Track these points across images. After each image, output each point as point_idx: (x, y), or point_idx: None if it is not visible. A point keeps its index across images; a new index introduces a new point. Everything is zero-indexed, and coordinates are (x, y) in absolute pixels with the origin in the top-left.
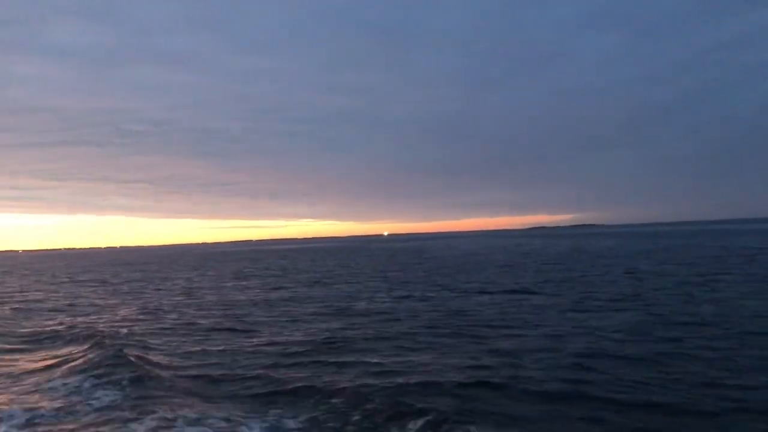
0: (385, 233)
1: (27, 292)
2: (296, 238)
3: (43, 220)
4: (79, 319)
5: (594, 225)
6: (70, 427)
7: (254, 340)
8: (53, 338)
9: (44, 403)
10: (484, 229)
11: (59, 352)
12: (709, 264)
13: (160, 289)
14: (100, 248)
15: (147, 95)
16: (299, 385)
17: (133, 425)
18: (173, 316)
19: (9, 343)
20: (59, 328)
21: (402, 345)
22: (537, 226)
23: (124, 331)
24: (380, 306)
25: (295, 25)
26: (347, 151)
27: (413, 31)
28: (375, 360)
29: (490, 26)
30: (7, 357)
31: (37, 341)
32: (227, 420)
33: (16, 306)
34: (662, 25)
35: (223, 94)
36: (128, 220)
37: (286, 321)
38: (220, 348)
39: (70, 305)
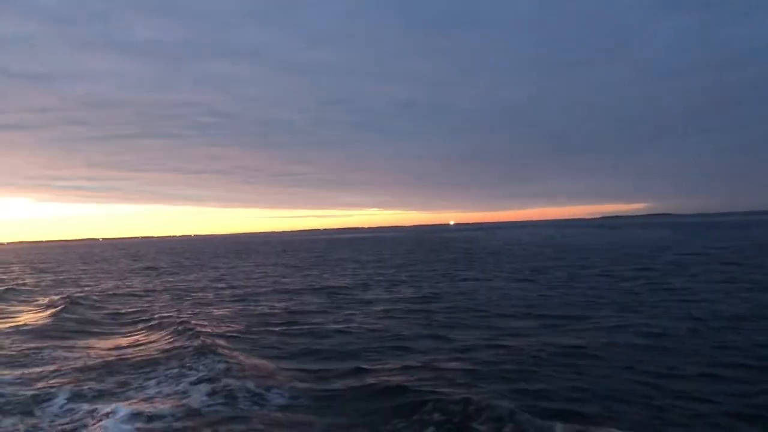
0: (451, 222)
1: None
2: (362, 227)
3: (119, 210)
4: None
5: (669, 214)
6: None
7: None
8: (155, 326)
9: (145, 395)
10: (554, 218)
11: (159, 340)
12: None
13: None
14: (174, 237)
15: (217, 88)
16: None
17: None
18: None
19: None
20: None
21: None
22: (610, 215)
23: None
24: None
25: (358, 16)
26: (412, 140)
27: (479, 18)
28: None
29: (559, 12)
30: (103, 343)
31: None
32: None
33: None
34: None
35: (290, 86)
36: (199, 209)
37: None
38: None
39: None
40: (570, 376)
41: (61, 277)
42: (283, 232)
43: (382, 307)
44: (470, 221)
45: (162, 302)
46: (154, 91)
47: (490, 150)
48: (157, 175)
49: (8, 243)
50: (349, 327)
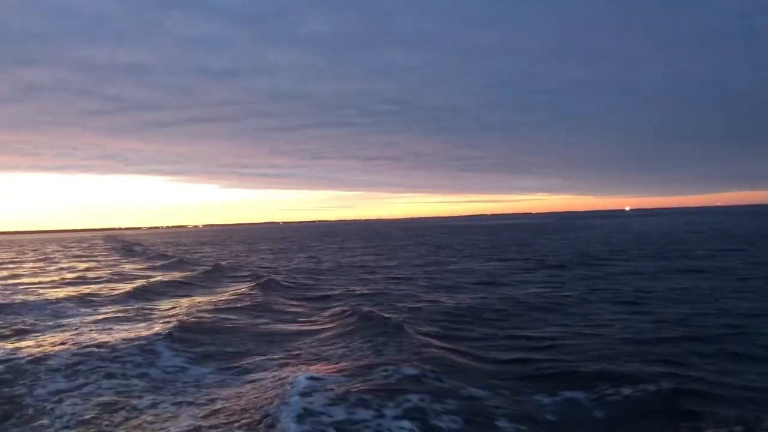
0: (627, 208)
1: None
2: (530, 213)
3: (298, 195)
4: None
5: None
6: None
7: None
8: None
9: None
10: (750, 203)
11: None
12: None
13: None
14: (346, 221)
15: (389, 77)
16: None
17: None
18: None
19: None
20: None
21: None
22: None
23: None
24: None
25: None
26: (585, 121)
27: None
28: None
29: None
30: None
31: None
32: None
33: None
34: None
35: (460, 71)
36: (371, 194)
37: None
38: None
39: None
40: None
41: (253, 257)
42: (450, 216)
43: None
44: (648, 206)
45: (357, 280)
46: (331, 82)
47: (672, 130)
48: (334, 162)
49: (203, 226)
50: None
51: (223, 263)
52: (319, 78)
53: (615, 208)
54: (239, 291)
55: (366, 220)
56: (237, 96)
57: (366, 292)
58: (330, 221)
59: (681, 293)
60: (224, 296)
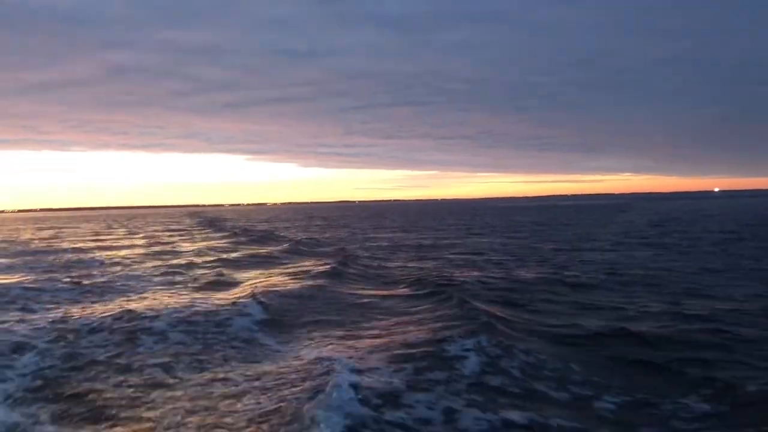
0: (716, 189)
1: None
2: (612, 194)
3: (372, 175)
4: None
5: None
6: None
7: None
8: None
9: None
10: None
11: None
12: None
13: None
14: (420, 200)
15: (462, 55)
16: None
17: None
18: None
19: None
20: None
21: None
22: None
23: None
24: None
25: None
26: (672, 99)
27: None
28: None
29: None
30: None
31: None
32: None
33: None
34: None
35: (538, 48)
36: (444, 174)
37: None
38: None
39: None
40: None
41: (330, 234)
42: (527, 197)
43: None
44: (740, 187)
45: (433, 258)
46: (405, 61)
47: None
48: (407, 141)
49: (282, 203)
50: None
51: (302, 239)
52: (392, 57)
53: (703, 189)
54: (317, 265)
55: (441, 199)
56: (313, 76)
57: (444, 269)
58: (404, 200)
59: None
60: (302, 269)
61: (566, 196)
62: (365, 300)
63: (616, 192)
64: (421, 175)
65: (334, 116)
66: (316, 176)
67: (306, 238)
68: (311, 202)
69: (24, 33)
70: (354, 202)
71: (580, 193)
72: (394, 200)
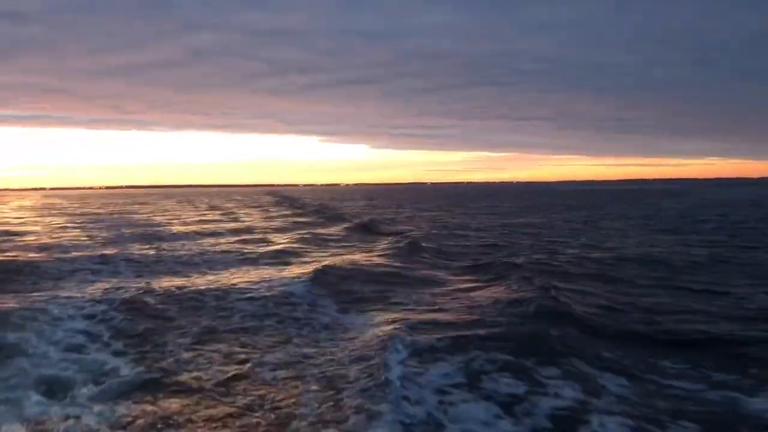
0: None
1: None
2: (697, 179)
3: (446, 156)
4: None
5: None
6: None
7: None
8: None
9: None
10: None
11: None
12: None
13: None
14: (495, 182)
15: (540, 34)
16: None
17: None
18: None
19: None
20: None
21: None
22: None
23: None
24: None
25: None
26: (764, 78)
27: None
28: None
29: None
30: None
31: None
32: None
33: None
34: None
35: (622, 25)
36: (520, 156)
37: None
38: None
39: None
40: None
41: (402, 215)
42: (606, 180)
43: None
44: None
45: (510, 242)
46: (482, 41)
47: None
48: (483, 122)
49: (354, 184)
50: None
51: (374, 219)
52: (469, 37)
53: None
54: (387, 245)
55: (517, 182)
56: (388, 57)
57: (522, 254)
58: (479, 182)
59: None
60: (373, 248)
61: (649, 180)
62: (436, 279)
63: (701, 177)
64: (497, 157)
65: (408, 97)
66: (387, 157)
67: (377, 218)
68: (383, 183)
69: (109, 17)
70: (426, 183)
71: (662, 177)
72: (468, 182)
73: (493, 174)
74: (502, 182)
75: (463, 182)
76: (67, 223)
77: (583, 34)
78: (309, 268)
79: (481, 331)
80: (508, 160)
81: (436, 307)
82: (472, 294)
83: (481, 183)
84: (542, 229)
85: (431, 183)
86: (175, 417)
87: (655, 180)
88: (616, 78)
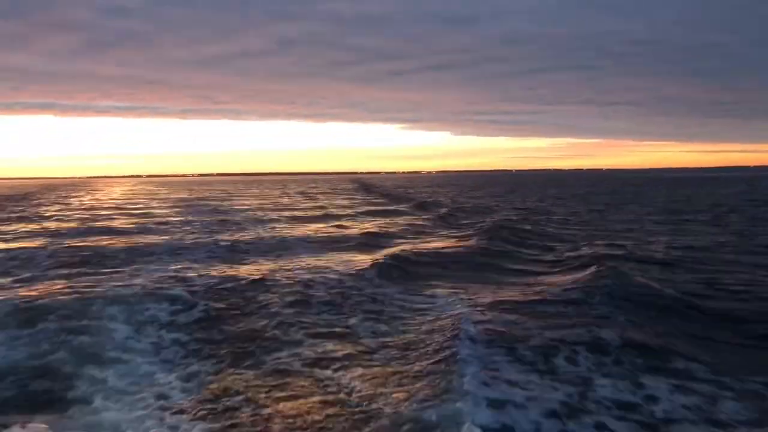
0: None
1: None
2: None
3: (530, 143)
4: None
5: None
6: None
7: None
8: None
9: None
10: None
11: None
12: None
13: None
14: (582, 170)
15: (632, 16)
16: None
17: None
18: None
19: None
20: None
21: None
22: None
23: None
24: None
25: None
26: None
27: None
28: None
29: None
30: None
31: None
32: None
33: None
34: None
35: (721, 5)
36: (608, 142)
37: None
38: None
39: None
40: None
41: (485, 203)
42: (701, 167)
43: None
44: None
45: (600, 233)
46: (569, 24)
47: None
48: (570, 108)
49: (436, 172)
50: None
51: (454, 206)
52: (556, 20)
53: None
54: (467, 233)
55: (606, 169)
56: (471, 42)
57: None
58: (565, 170)
59: None
60: (453, 235)
61: (748, 167)
62: (517, 267)
63: None
64: (584, 144)
65: (491, 82)
66: (470, 144)
67: (459, 206)
68: (465, 171)
69: (200, 9)
70: (510, 171)
71: (763, 164)
72: (554, 169)
73: (580, 161)
74: (590, 169)
75: (548, 169)
76: (161, 208)
77: (679, 14)
78: (387, 252)
79: (563, 320)
80: (595, 147)
81: (514, 292)
82: (552, 280)
83: (567, 170)
84: (631, 216)
85: (515, 170)
86: (261, 397)
87: (757, 167)
88: (712, 59)
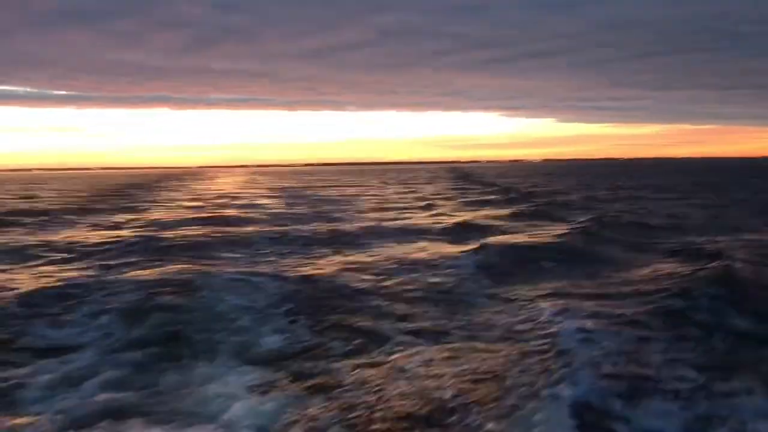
0: None
1: None
2: None
3: (639, 130)
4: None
5: None
6: None
7: None
8: None
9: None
10: None
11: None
12: None
13: None
14: (694, 158)
15: None
16: None
17: None
18: None
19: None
20: None
21: None
22: None
23: None
24: None
25: None
26: None
27: None
28: None
29: None
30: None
31: None
32: None
33: None
34: None
35: None
36: (728, 129)
37: None
38: None
39: None
40: None
41: (587, 195)
42: None
43: None
44: None
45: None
46: (682, 5)
47: None
48: (682, 93)
49: (540, 160)
50: None
51: (555, 197)
52: (667, 2)
53: None
54: (568, 225)
55: (723, 157)
56: (575, 27)
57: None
58: (677, 158)
59: None
60: (552, 228)
61: None
62: (620, 261)
63: None
64: (698, 130)
65: (598, 68)
66: (575, 132)
67: (561, 197)
68: (570, 159)
69: (300, 3)
70: (617, 159)
71: None
72: (665, 157)
73: (693, 148)
74: (704, 157)
75: (658, 157)
76: (267, 197)
77: None
78: (482, 243)
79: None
80: (710, 134)
81: (611, 289)
82: (654, 278)
83: (680, 158)
84: (752, 210)
85: (623, 158)
86: (342, 384)
87: None
88: None
